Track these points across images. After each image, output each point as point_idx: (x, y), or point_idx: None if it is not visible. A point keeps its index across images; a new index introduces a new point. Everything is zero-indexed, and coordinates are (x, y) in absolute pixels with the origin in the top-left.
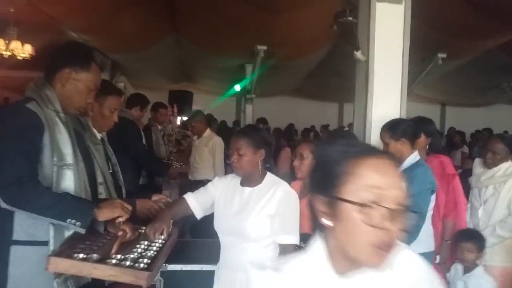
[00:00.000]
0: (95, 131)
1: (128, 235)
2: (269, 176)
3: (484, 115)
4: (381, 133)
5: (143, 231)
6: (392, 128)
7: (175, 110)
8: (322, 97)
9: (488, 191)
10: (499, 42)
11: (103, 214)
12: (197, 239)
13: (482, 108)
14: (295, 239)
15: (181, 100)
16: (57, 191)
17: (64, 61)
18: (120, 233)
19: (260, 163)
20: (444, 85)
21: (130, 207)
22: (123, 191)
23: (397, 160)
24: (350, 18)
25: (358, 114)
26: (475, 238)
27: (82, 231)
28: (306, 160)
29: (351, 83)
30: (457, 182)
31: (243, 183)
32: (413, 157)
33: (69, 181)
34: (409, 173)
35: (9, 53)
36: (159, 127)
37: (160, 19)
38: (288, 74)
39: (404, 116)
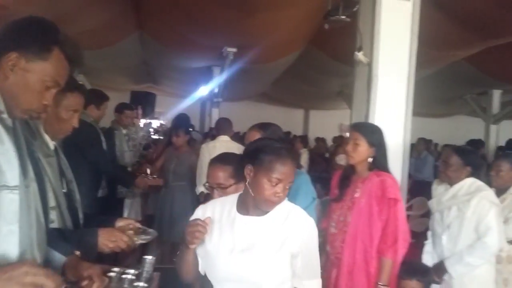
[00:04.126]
0: (47, 138)
1: (95, 286)
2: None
3: (446, 126)
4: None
5: (114, 274)
6: (265, 129)
7: (140, 112)
8: (288, 103)
9: (451, 213)
10: (470, 53)
11: None
12: None
13: (444, 118)
14: (319, 284)
15: (144, 102)
16: None
17: (12, 42)
18: (84, 283)
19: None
20: None
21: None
22: (80, 215)
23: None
24: (343, 17)
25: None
26: (419, 273)
27: None
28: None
29: (318, 90)
30: (400, 210)
31: (242, 210)
32: None
33: (10, 209)
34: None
35: None
36: (124, 131)
37: (125, 16)
38: (257, 78)
39: (409, 127)
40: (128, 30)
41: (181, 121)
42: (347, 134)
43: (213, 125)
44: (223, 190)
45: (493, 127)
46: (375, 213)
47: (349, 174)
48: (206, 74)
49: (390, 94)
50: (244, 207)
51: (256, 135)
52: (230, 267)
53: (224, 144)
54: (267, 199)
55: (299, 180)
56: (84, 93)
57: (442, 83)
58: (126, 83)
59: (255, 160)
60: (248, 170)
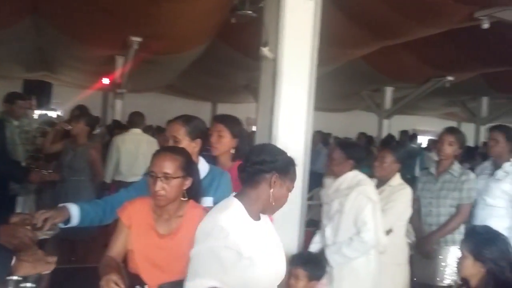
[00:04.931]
0: None
1: None
2: None
3: (344, 120)
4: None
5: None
6: (189, 124)
7: (34, 102)
8: (195, 95)
9: (334, 207)
10: (366, 52)
11: (24, 269)
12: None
13: (342, 113)
14: None
15: (38, 92)
16: None
17: None
18: None
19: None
20: None
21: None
22: None
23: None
24: (250, 12)
25: (263, 116)
26: (304, 262)
27: None
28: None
29: (226, 83)
30: None
31: (253, 217)
32: (203, 162)
33: None
34: (211, 183)
35: None
36: (16, 123)
37: None
38: (163, 70)
39: (311, 121)
40: (20, 14)
41: (83, 111)
42: (254, 128)
43: (116, 117)
44: (168, 181)
45: (385, 122)
46: None
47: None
48: (108, 64)
49: (293, 89)
50: (253, 213)
51: (181, 129)
52: (282, 267)
53: (134, 137)
54: (282, 206)
55: (226, 179)
56: None
57: (341, 79)
58: (18, 71)
59: (283, 170)
60: (275, 178)
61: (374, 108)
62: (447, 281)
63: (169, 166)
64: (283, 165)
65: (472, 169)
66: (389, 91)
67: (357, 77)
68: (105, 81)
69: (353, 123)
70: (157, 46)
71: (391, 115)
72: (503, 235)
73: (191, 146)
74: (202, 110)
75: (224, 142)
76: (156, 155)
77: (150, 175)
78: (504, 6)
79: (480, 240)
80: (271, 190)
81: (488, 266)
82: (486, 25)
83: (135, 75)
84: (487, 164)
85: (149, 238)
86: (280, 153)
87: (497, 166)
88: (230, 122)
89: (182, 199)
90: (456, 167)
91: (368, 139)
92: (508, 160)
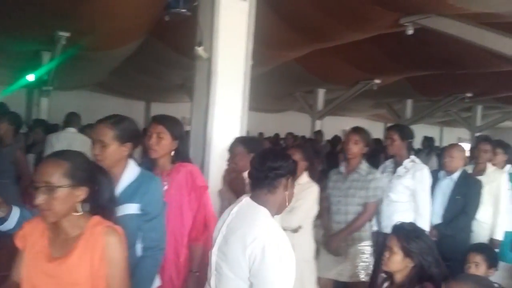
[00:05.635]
0: None
1: None
2: None
3: (279, 121)
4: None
5: None
6: (118, 126)
7: None
8: (128, 94)
9: None
10: (299, 54)
11: None
12: None
13: (277, 114)
14: None
15: None
16: None
17: None
18: None
19: None
20: None
21: None
22: None
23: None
24: (184, 10)
25: (197, 116)
26: None
27: None
28: None
29: (160, 82)
30: (208, 196)
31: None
32: (133, 166)
33: None
34: (138, 189)
35: None
36: None
37: None
38: (93, 67)
39: (246, 121)
40: None
41: (3, 109)
42: (188, 127)
43: (41, 116)
44: (51, 192)
45: (318, 122)
46: (186, 203)
47: (151, 168)
48: (33, 60)
49: (228, 89)
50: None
51: (108, 133)
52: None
53: (69, 135)
54: (288, 205)
55: (155, 184)
56: None
57: (275, 80)
58: None
59: (294, 172)
60: (290, 181)
61: (307, 109)
62: (355, 278)
63: (50, 173)
64: (294, 168)
65: None
66: (321, 93)
67: (291, 78)
68: (30, 77)
69: (286, 124)
70: (86, 42)
71: (323, 116)
72: (425, 231)
73: (120, 150)
74: (135, 109)
75: (164, 144)
76: (40, 163)
77: (34, 185)
78: (427, 14)
79: (410, 236)
80: (287, 193)
81: (416, 261)
82: (410, 31)
83: (63, 71)
84: (388, 163)
85: (37, 264)
86: (289, 156)
87: (397, 164)
88: (171, 123)
89: (76, 213)
90: (364, 166)
91: (295, 138)
92: (408, 157)
